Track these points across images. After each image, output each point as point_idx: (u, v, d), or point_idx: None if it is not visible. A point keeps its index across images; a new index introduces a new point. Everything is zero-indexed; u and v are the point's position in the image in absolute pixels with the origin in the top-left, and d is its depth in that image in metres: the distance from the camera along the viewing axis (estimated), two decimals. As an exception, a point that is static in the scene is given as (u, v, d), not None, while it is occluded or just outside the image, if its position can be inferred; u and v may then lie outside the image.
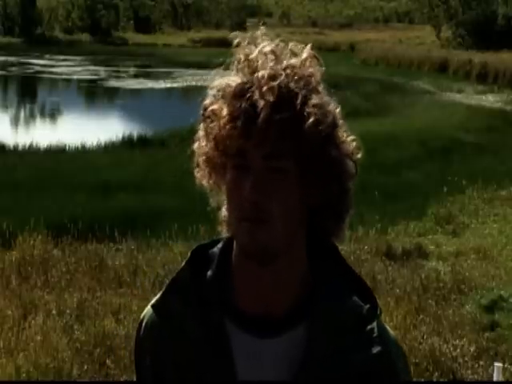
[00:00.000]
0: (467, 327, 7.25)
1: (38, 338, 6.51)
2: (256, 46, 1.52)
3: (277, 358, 1.52)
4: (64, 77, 39.27)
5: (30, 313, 7.24)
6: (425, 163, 15.92)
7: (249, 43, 1.53)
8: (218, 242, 1.63)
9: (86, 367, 6.15)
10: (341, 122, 1.53)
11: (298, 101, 1.46)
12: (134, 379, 1.72)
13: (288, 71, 1.48)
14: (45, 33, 67.29)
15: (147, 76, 39.87)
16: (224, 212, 1.56)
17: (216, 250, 1.61)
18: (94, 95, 35.08)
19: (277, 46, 1.52)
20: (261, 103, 1.45)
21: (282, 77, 1.47)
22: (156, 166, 15.03)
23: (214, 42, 60.06)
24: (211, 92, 1.53)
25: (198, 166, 1.57)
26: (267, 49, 1.51)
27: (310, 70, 1.51)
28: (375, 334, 1.53)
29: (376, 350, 1.52)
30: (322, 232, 1.57)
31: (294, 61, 1.50)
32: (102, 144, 18.34)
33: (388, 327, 1.59)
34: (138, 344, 1.64)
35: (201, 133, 1.54)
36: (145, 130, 20.48)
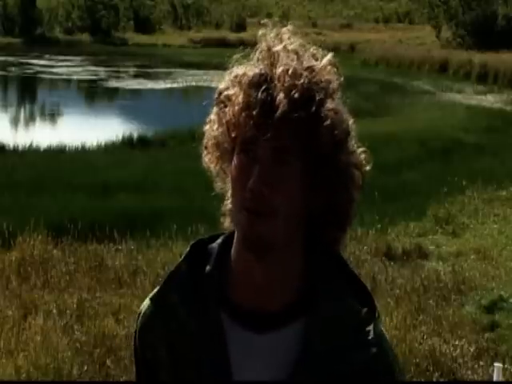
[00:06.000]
0: (467, 327, 7.25)
1: (38, 338, 6.51)
2: (281, 42, 1.53)
3: (272, 352, 1.52)
4: (64, 77, 39.23)
5: (30, 313, 7.24)
6: (425, 163, 15.89)
7: (275, 36, 1.54)
8: (217, 237, 1.63)
9: (86, 367, 6.15)
10: (353, 132, 1.55)
11: (315, 103, 1.47)
12: (134, 379, 1.71)
13: (308, 73, 1.49)
14: (45, 33, 67.21)
15: (147, 76, 39.84)
16: (228, 204, 1.56)
17: (215, 245, 1.61)
18: (94, 95, 35.04)
19: (300, 46, 1.53)
20: (281, 97, 1.45)
21: (304, 76, 1.48)
22: (156, 166, 15.01)
23: (214, 42, 60.06)
24: (228, 77, 1.54)
25: (206, 148, 1.58)
26: (291, 47, 1.52)
27: (328, 76, 1.52)
28: (371, 336, 1.53)
29: (372, 350, 1.52)
30: (322, 239, 1.57)
31: (314, 63, 1.52)
32: (102, 144, 18.28)
33: (385, 332, 1.59)
34: (137, 337, 1.64)
35: (213, 116, 1.55)
36: (145, 130, 20.46)
